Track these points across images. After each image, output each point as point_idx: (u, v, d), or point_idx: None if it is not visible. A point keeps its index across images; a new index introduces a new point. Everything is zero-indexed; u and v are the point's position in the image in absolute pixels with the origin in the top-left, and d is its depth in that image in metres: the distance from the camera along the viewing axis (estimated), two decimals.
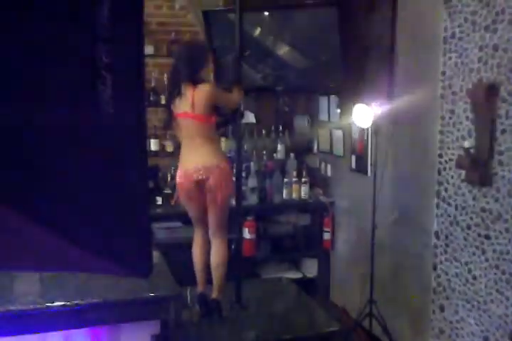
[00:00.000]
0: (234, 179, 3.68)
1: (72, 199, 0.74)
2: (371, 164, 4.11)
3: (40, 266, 1.06)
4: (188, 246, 4.34)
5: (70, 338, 2.77)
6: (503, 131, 2.82)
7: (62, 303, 2.57)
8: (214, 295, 3.55)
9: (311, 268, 5.18)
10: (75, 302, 2.59)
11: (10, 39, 0.64)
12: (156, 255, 3.34)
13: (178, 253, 4.22)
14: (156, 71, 5.00)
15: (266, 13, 4.39)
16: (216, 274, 3.58)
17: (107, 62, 0.73)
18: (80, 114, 0.72)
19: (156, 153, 4.94)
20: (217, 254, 3.58)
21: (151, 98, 4.90)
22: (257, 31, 4.44)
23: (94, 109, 0.74)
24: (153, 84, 4.94)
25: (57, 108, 0.70)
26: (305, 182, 4.96)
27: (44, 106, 0.69)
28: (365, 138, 4.27)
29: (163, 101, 4.85)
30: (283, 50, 4.43)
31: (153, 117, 4.99)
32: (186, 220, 4.60)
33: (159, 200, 4.79)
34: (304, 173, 4.96)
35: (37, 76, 0.68)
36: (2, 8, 0.63)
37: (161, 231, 4.61)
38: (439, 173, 3.36)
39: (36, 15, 0.66)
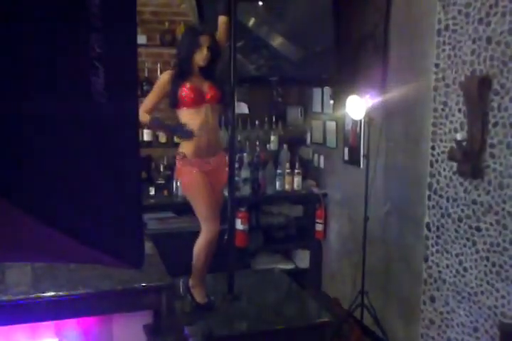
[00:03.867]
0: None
1: (63, 190, 0.75)
2: (364, 156, 4.12)
3: (32, 257, 1.07)
4: (179, 236, 4.36)
5: (62, 328, 2.78)
6: (495, 124, 2.83)
7: (54, 293, 2.57)
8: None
9: (303, 259, 5.20)
10: (67, 292, 2.59)
11: (3, 28, 0.64)
12: (148, 245, 3.34)
13: (171, 243, 4.24)
14: (149, 61, 4.99)
15: (260, 3, 4.37)
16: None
17: (100, 52, 0.72)
18: (71, 103, 0.72)
19: (149, 144, 4.94)
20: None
21: (145, 88, 4.88)
22: (251, 21, 4.42)
23: (86, 99, 0.74)
24: (146, 74, 4.93)
25: (48, 97, 0.70)
26: (298, 174, 4.96)
27: (34, 96, 0.69)
28: (358, 129, 4.27)
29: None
30: (277, 41, 4.41)
31: None
32: (178, 210, 4.62)
33: (152, 191, 4.79)
34: (297, 165, 4.96)
35: (28, 66, 0.68)
36: None
37: (153, 221, 4.61)
38: (431, 165, 3.37)
39: (28, 5, 0.66)
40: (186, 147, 3.41)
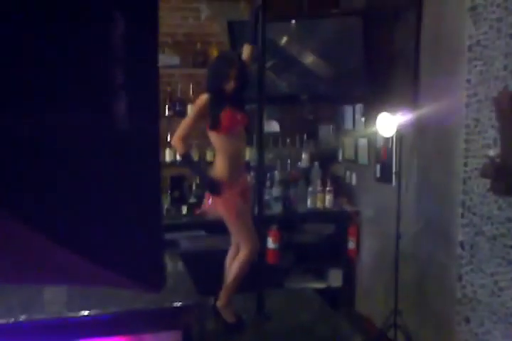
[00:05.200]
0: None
1: (82, 213, 0.75)
2: (395, 173, 4.08)
3: (53, 280, 1.07)
4: (211, 254, 4.35)
5: None
6: None
7: (86, 313, 2.58)
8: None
9: (335, 277, 5.14)
10: (97, 312, 2.60)
11: (34, 50, 0.66)
12: (178, 264, 3.35)
13: (202, 262, 4.23)
14: (182, 81, 5.04)
15: (293, 22, 4.39)
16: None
17: (123, 81, 0.73)
18: (94, 131, 0.73)
19: (181, 163, 4.96)
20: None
21: (177, 108, 4.93)
22: (284, 40, 4.45)
23: (109, 127, 0.74)
24: (179, 95, 4.97)
25: (71, 125, 0.71)
26: (329, 191, 4.93)
27: (58, 123, 0.70)
28: (390, 147, 4.24)
29: (189, 112, 4.90)
30: (308, 59, 4.43)
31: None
32: (210, 229, 4.62)
33: (184, 210, 4.80)
34: (329, 182, 4.94)
35: (52, 93, 0.68)
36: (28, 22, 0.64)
37: (185, 240, 4.62)
38: (464, 182, 3.31)
39: (56, 31, 0.67)
40: (221, 170, 3.43)
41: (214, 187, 3.38)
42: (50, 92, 0.68)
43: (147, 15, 0.76)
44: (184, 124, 3.38)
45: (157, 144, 0.84)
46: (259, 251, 3.70)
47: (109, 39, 0.71)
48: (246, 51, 3.61)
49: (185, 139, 3.39)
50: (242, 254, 3.51)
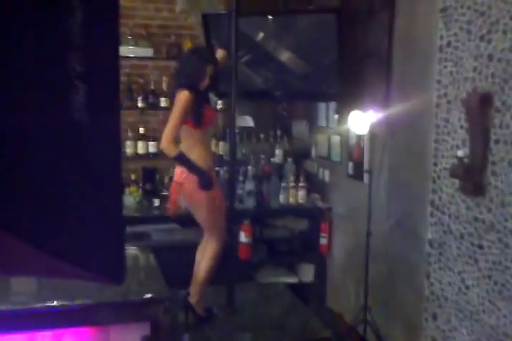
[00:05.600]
0: None
1: (41, 207, 0.74)
2: (367, 171, 4.11)
3: (14, 271, 1.06)
4: (183, 247, 4.35)
5: (59, 338, 2.79)
6: (497, 141, 2.81)
7: (53, 303, 2.59)
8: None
9: (307, 272, 5.18)
10: (65, 302, 2.60)
11: None
12: (149, 257, 3.36)
13: (174, 254, 4.24)
14: (155, 74, 5.02)
15: (269, 17, 4.39)
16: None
17: (80, 71, 0.72)
18: (51, 123, 0.72)
19: (154, 156, 4.96)
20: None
21: (150, 100, 4.91)
22: (259, 35, 4.45)
23: (66, 119, 0.73)
24: (152, 87, 4.96)
25: (27, 118, 0.70)
26: (302, 187, 4.96)
27: (12, 116, 0.69)
28: (362, 144, 4.27)
29: (162, 104, 4.88)
30: (284, 55, 4.43)
31: (152, 119, 5.02)
32: (182, 222, 4.62)
33: (156, 202, 4.80)
34: (302, 178, 4.96)
35: (5, 85, 0.67)
36: None
37: (157, 232, 4.62)
38: (434, 182, 3.35)
39: (11, 20, 0.66)
40: (202, 159, 3.45)
41: (206, 179, 3.41)
42: (4, 83, 0.67)
43: (107, 3, 0.75)
44: (171, 126, 3.34)
45: (118, 136, 0.83)
46: (232, 245, 3.74)
47: (67, 28, 0.70)
48: (219, 55, 3.65)
49: (175, 140, 3.39)
50: (213, 248, 3.53)
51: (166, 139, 3.31)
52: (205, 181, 3.38)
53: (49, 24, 0.69)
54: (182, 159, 3.40)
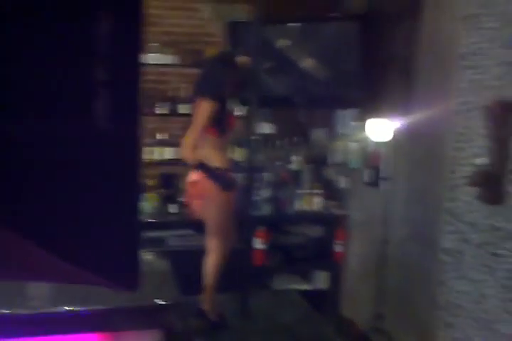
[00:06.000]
0: None
1: (58, 212, 0.75)
2: (383, 178, 4.10)
3: (29, 277, 1.07)
4: (199, 253, 4.35)
5: None
6: None
7: (66, 309, 2.59)
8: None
9: (322, 280, 5.15)
10: (77, 307, 2.60)
11: (14, 50, 0.66)
12: (163, 263, 3.35)
13: (190, 260, 4.23)
14: (178, 81, 5.04)
15: (291, 25, 4.41)
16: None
17: (104, 79, 0.73)
18: (74, 129, 0.73)
19: (172, 162, 4.97)
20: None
21: (169, 107, 4.93)
22: (281, 42, 4.46)
23: (89, 125, 0.74)
24: (172, 94, 4.98)
25: (49, 123, 0.71)
26: (319, 194, 4.95)
27: (35, 121, 0.70)
28: (380, 152, 4.25)
29: (181, 111, 4.90)
30: (306, 62, 4.43)
31: (171, 126, 5.04)
32: (199, 228, 4.62)
33: (173, 208, 4.81)
34: (319, 185, 4.95)
35: (28, 91, 0.68)
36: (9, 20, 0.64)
37: (173, 238, 4.63)
38: (452, 190, 3.33)
39: (36, 30, 0.67)
40: (225, 162, 3.49)
41: (227, 182, 3.43)
42: (29, 91, 0.68)
43: (131, 13, 0.76)
44: (193, 135, 3.35)
45: (137, 143, 0.84)
46: (246, 252, 3.73)
47: (91, 37, 0.71)
48: (242, 62, 3.64)
49: (194, 149, 3.41)
50: (214, 252, 3.54)
51: (187, 147, 3.33)
52: (227, 185, 3.39)
53: (73, 33, 0.70)
54: (201, 167, 3.42)
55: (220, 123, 3.38)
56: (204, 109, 3.35)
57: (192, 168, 3.52)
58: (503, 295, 2.94)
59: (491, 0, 2.99)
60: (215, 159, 3.47)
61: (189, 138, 3.35)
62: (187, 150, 3.33)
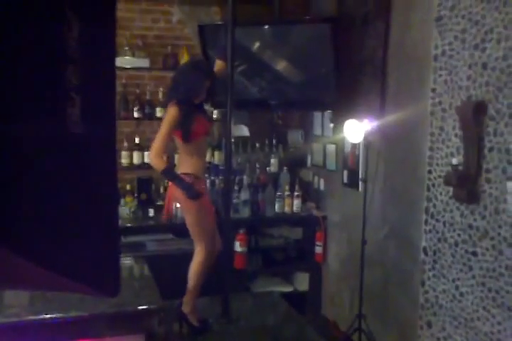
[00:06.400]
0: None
1: (37, 219, 0.74)
2: (362, 179, 4.13)
3: (6, 285, 1.06)
4: (178, 257, 4.35)
5: None
6: (491, 149, 2.83)
7: (47, 316, 2.57)
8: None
9: (302, 281, 5.17)
10: (59, 315, 2.59)
11: None
12: (143, 268, 3.35)
13: (169, 265, 4.23)
14: (152, 84, 5.03)
15: (265, 27, 4.42)
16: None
17: (77, 83, 0.73)
18: (47, 134, 0.72)
19: (149, 166, 4.94)
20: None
21: (146, 111, 4.92)
22: (255, 45, 4.47)
23: (62, 130, 0.74)
24: (148, 97, 4.97)
25: (23, 129, 0.70)
26: (298, 196, 4.97)
27: (8, 128, 0.69)
28: (357, 153, 4.29)
29: (158, 114, 4.89)
30: (280, 65, 4.45)
31: (148, 129, 5.02)
32: (177, 232, 4.62)
33: (151, 212, 4.79)
34: (297, 187, 4.97)
35: (2, 94, 0.68)
36: None
37: (152, 243, 4.61)
38: (428, 189, 3.37)
39: (6, 34, 0.66)
40: (192, 168, 3.46)
41: (193, 192, 3.39)
42: (1, 96, 0.67)
43: (104, 17, 0.76)
44: (159, 141, 3.34)
45: (113, 147, 0.84)
46: (227, 256, 3.73)
47: (63, 40, 0.71)
48: (218, 66, 3.65)
49: (162, 155, 3.41)
50: (198, 256, 3.54)
51: (154, 153, 3.33)
52: (192, 194, 3.38)
53: (44, 37, 0.69)
54: (168, 173, 3.42)
55: (184, 130, 3.38)
56: (169, 114, 3.39)
57: (159, 174, 3.52)
58: (481, 293, 2.97)
59: (459, 2, 3.03)
60: (183, 165, 3.49)
61: (155, 143, 3.35)
62: (153, 155, 3.33)
